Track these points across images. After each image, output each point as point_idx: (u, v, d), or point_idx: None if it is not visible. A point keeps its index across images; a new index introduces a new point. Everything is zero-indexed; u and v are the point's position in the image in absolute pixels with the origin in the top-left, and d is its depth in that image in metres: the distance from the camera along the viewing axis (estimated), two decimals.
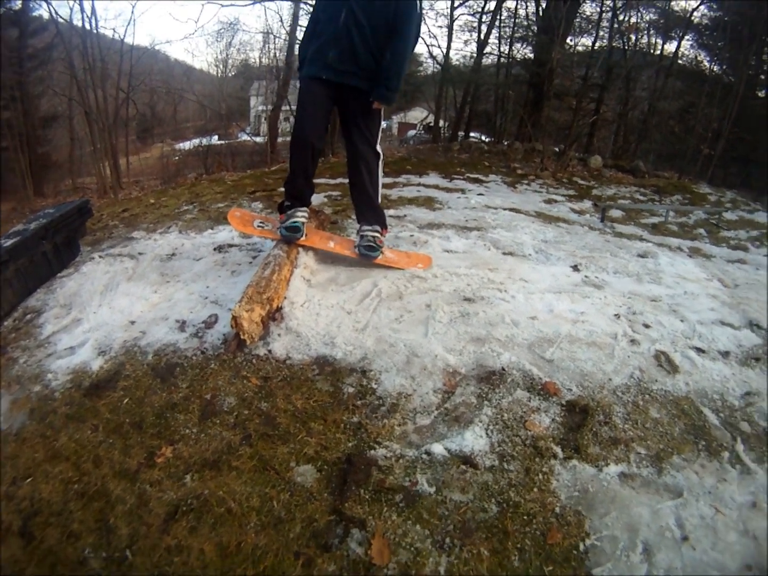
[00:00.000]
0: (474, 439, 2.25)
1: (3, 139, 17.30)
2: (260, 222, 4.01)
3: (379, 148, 3.70)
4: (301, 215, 3.74)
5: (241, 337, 2.82)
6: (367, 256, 3.67)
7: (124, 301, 3.64)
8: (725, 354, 2.91)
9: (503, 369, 2.66)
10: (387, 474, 2.11)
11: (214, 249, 4.54)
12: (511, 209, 6.12)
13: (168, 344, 3.06)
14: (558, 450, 2.21)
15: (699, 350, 2.89)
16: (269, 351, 2.88)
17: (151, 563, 1.88)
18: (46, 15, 18.97)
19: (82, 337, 3.28)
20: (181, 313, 3.36)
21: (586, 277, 3.83)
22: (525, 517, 1.92)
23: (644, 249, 4.75)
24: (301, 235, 3.72)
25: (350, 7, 3.27)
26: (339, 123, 3.87)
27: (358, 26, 3.30)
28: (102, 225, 6.23)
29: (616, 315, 3.20)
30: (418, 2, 3.33)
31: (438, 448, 2.21)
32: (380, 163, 3.76)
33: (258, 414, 2.47)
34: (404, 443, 2.26)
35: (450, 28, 16.48)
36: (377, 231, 3.76)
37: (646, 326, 3.10)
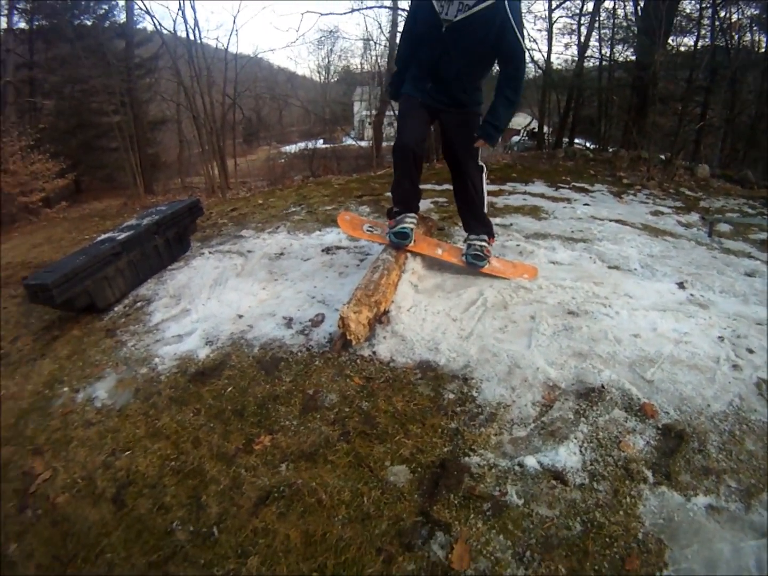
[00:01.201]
0: (567, 456, 2.22)
1: (113, 140, 18.44)
2: (369, 226, 4.09)
3: (481, 161, 3.70)
4: (409, 221, 3.79)
5: (347, 337, 2.90)
6: (474, 264, 3.70)
7: (232, 295, 3.83)
8: None
9: (603, 386, 2.60)
10: (478, 482, 2.12)
11: (322, 250, 4.66)
12: (618, 221, 5.95)
13: (274, 339, 3.19)
14: (649, 474, 2.15)
15: None
16: (374, 352, 2.95)
17: (236, 542, 1.99)
18: (150, 27, 20.19)
19: (190, 327, 3.48)
20: (288, 310, 3.49)
21: (691, 295, 3.68)
22: (607, 539, 1.89)
23: (752, 267, 4.51)
24: (410, 242, 3.77)
25: (448, 40, 3.26)
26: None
27: (452, 62, 3.34)
28: (211, 223, 6.54)
29: (720, 337, 3.05)
30: (522, 39, 3.24)
31: (531, 461, 2.20)
32: (484, 176, 3.75)
33: (358, 412, 2.54)
34: (498, 453, 2.27)
35: (549, 31, 16.10)
36: (484, 240, 3.78)
37: (750, 351, 2.93)
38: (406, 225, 3.76)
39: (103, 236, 4.38)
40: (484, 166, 3.74)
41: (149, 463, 2.40)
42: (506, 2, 3.04)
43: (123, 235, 4.17)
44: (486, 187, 3.79)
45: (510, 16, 3.07)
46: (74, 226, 9.81)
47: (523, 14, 3.37)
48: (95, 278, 3.80)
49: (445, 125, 3.65)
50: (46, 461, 2.54)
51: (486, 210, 3.86)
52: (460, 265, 3.78)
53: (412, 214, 3.83)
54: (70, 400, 2.96)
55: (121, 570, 1.96)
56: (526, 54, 3.37)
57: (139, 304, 3.98)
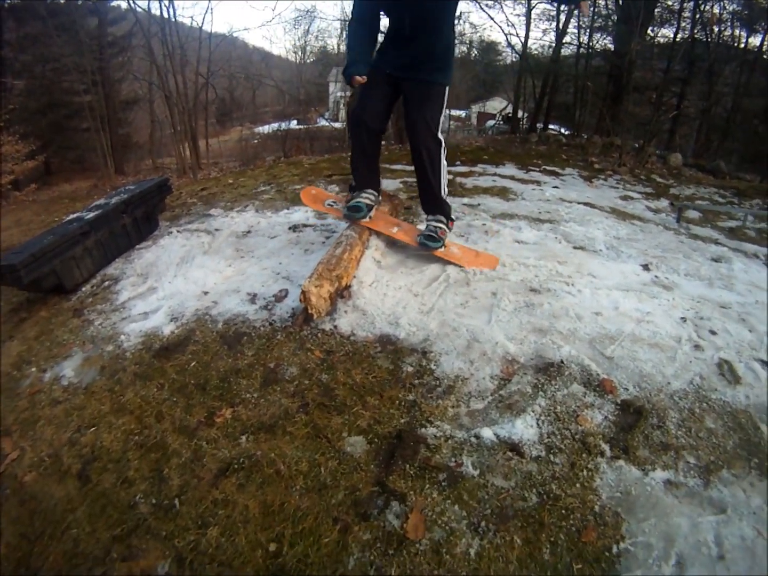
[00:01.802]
0: (524, 428, 2.25)
1: (84, 120, 18.20)
2: (331, 201, 4.08)
3: (441, 135, 3.58)
4: (365, 196, 3.76)
5: (309, 311, 2.91)
6: (425, 245, 3.59)
7: (198, 272, 3.82)
8: None
9: (562, 362, 2.63)
10: (434, 453, 2.15)
11: (289, 228, 4.65)
12: (586, 204, 6.00)
13: (238, 314, 3.20)
14: (606, 448, 2.18)
15: (764, 363, 2.73)
16: (335, 326, 2.96)
17: (197, 513, 2.01)
18: (124, 5, 19.89)
19: (156, 304, 3.47)
20: (253, 286, 3.49)
21: (656, 277, 3.73)
22: (563, 512, 1.92)
23: (719, 253, 4.57)
24: (363, 216, 3.73)
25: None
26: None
27: (410, 16, 3.28)
28: (181, 202, 6.49)
29: (682, 318, 3.09)
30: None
31: (487, 433, 2.23)
32: (442, 151, 3.59)
33: (317, 385, 2.55)
34: (455, 425, 2.29)
35: (528, 16, 16.12)
36: (441, 222, 3.71)
37: (713, 333, 2.97)
38: (360, 200, 3.73)
39: (72, 216, 4.33)
40: (443, 140, 3.61)
41: (114, 438, 2.40)
42: None
43: (91, 215, 4.13)
44: (444, 165, 3.66)
45: None
46: (44, 209, 9.71)
47: None
48: (63, 258, 3.75)
49: (406, 95, 3.56)
50: (14, 441, 2.53)
51: (444, 190, 3.73)
52: (414, 245, 3.69)
53: (370, 190, 3.81)
54: (38, 379, 2.94)
55: (86, 545, 1.97)
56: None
57: (106, 283, 3.95)
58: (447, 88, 3.57)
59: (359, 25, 3.43)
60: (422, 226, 3.87)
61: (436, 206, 3.77)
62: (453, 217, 3.91)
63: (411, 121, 3.56)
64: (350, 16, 3.52)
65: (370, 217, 3.80)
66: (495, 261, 3.71)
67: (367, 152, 3.72)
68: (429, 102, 3.48)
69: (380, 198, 4.02)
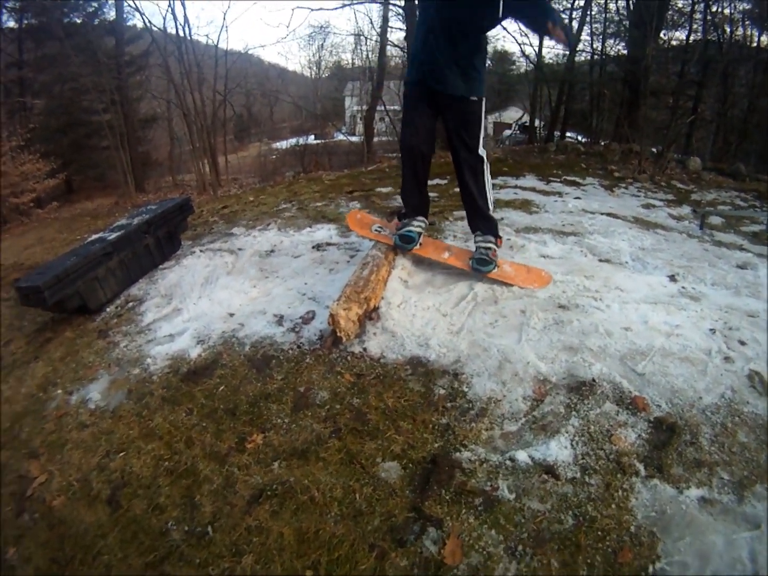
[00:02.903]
0: (558, 450, 2.23)
1: (104, 139, 18.45)
2: (378, 227, 4.03)
3: (482, 151, 3.57)
4: (417, 225, 3.75)
5: (338, 334, 2.91)
6: (479, 270, 3.54)
7: (223, 294, 3.83)
8: None
9: (594, 380, 2.60)
10: (469, 477, 2.13)
11: (312, 247, 4.65)
12: (609, 214, 5.96)
13: (265, 337, 3.19)
14: (641, 467, 2.15)
15: None
16: (364, 349, 2.95)
17: (231, 541, 2.00)
18: (140, 24, 20.16)
19: (182, 326, 3.48)
20: (279, 307, 3.49)
21: (683, 288, 3.69)
22: (599, 533, 1.89)
23: (744, 259, 4.51)
24: (415, 245, 3.72)
25: (438, 12, 3.22)
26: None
27: (441, 36, 3.26)
28: (202, 221, 6.54)
29: (711, 330, 3.05)
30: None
31: (522, 456, 2.20)
32: (485, 167, 3.61)
33: (349, 409, 2.54)
34: (489, 448, 2.27)
35: None
36: (491, 242, 3.65)
37: (742, 343, 2.92)
38: (412, 229, 3.71)
39: (94, 236, 4.37)
40: (485, 156, 3.59)
41: (143, 463, 2.40)
42: None
43: (113, 235, 4.16)
44: (489, 180, 3.65)
45: None
46: (65, 227, 9.82)
47: None
48: (86, 279, 3.79)
49: (444, 113, 3.55)
50: (42, 464, 2.55)
51: (491, 206, 3.72)
52: (468, 269, 3.63)
53: (421, 218, 3.79)
54: (64, 402, 2.96)
55: (118, 571, 1.97)
56: None
57: (130, 304, 3.98)
58: (483, 101, 3.53)
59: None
60: (473, 248, 3.80)
61: (484, 223, 3.73)
62: (500, 234, 3.86)
63: (451, 142, 3.58)
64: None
65: (420, 245, 3.78)
66: (548, 277, 3.64)
67: (418, 177, 3.72)
68: (467, 120, 3.48)
69: (428, 224, 3.98)
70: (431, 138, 3.66)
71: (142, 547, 2.03)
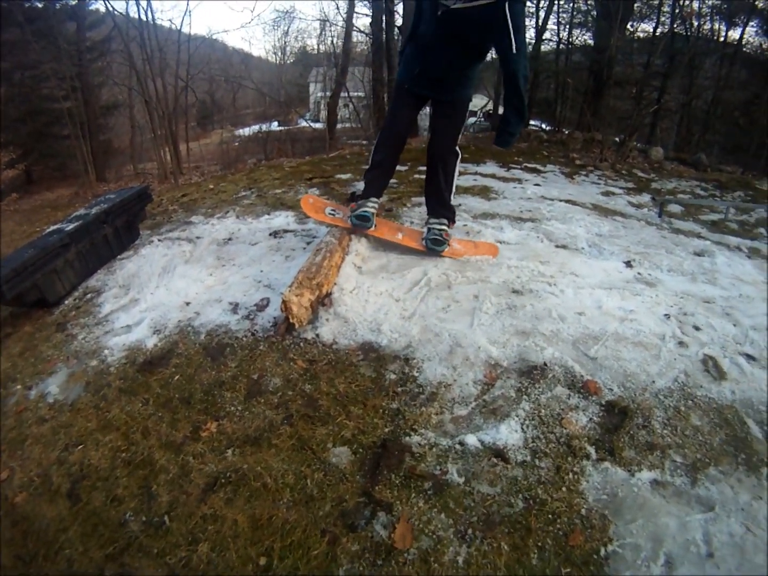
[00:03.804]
0: (508, 433, 2.25)
1: (65, 127, 18.00)
2: (332, 210, 4.06)
3: (457, 147, 3.74)
4: (371, 205, 3.80)
5: (290, 320, 2.90)
6: (433, 250, 3.71)
7: (180, 283, 3.80)
8: None
9: (545, 364, 2.64)
10: (419, 461, 2.15)
11: (270, 234, 4.63)
12: (567, 201, 6.02)
13: (220, 325, 3.18)
14: (592, 450, 2.18)
15: (749, 357, 2.75)
16: (317, 335, 2.95)
17: (187, 530, 2.00)
18: (102, 9, 19.71)
19: (139, 317, 3.44)
20: (235, 295, 3.48)
21: (638, 273, 3.75)
22: (550, 516, 1.92)
23: (701, 247, 4.58)
24: (371, 225, 3.78)
25: (441, 26, 3.21)
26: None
27: (441, 49, 3.31)
28: (162, 209, 6.45)
29: (666, 315, 3.11)
30: (518, 43, 3.11)
31: (472, 440, 2.23)
32: (458, 162, 3.78)
33: (301, 395, 2.55)
34: (439, 432, 2.29)
35: None
36: (444, 224, 3.79)
37: (697, 328, 2.99)
38: (367, 209, 3.76)
39: (52, 228, 4.28)
40: (459, 152, 3.76)
41: (101, 455, 2.39)
42: (507, 4, 2.97)
43: (71, 226, 4.08)
44: (457, 175, 3.82)
45: (509, 19, 2.99)
46: (25, 219, 9.67)
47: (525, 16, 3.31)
48: (44, 272, 3.71)
49: (434, 108, 3.72)
50: (3, 461, 2.51)
51: (452, 198, 3.87)
52: (421, 249, 3.78)
53: (375, 199, 3.84)
54: (24, 397, 2.92)
55: (79, 565, 1.96)
56: (524, 56, 3.22)
57: (89, 295, 3.92)
58: (470, 100, 3.71)
59: None
60: (422, 229, 3.96)
61: (443, 209, 3.85)
62: (455, 219, 4.00)
63: (434, 134, 3.74)
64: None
65: (374, 226, 3.83)
66: (495, 248, 3.82)
67: (390, 163, 3.85)
68: (453, 117, 3.64)
69: (380, 204, 4.06)
70: (412, 124, 3.97)
71: (101, 540, 2.03)
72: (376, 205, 3.85)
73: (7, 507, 2.27)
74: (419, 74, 3.48)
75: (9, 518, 2.22)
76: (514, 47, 3.08)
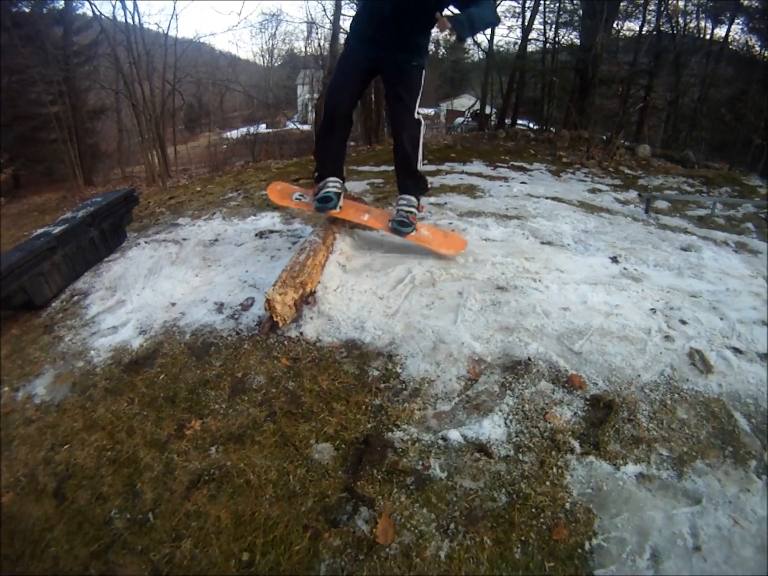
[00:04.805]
0: (492, 428, 2.26)
1: (52, 132, 17.91)
2: (299, 195, 4.06)
3: (418, 114, 3.67)
4: (332, 185, 3.77)
5: (274, 319, 2.91)
6: (398, 231, 3.70)
7: (166, 284, 3.79)
8: (764, 356, 2.77)
9: (529, 359, 2.64)
10: (401, 456, 2.16)
11: (256, 235, 4.63)
12: (554, 198, 6.05)
13: (205, 325, 3.18)
14: (576, 445, 2.19)
15: (736, 350, 2.77)
16: (301, 333, 2.96)
17: (171, 526, 2.00)
18: (89, 13, 19.56)
19: (125, 318, 3.44)
20: (220, 295, 3.47)
21: (624, 269, 3.76)
22: (533, 510, 1.92)
23: (688, 242, 4.62)
24: (334, 205, 3.75)
25: None
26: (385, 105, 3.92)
27: (394, 6, 3.24)
28: (149, 212, 6.45)
29: (652, 309, 3.12)
30: None
31: (454, 435, 2.23)
32: (422, 129, 3.69)
33: (284, 393, 2.55)
34: (422, 428, 2.30)
35: None
36: (413, 206, 3.78)
37: (683, 322, 3.00)
38: (329, 189, 3.75)
39: (39, 231, 4.28)
40: (422, 119, 3.69)
41: (87, 454, 2.39)
42: None
43: (58, 229, 4.07)
44: (422, 142, 3.74)
45: None
46: (13, 223, 9.62)
47: None
48: (31, 275, 3.69)
49: (386, 77, 3.65)
50: None
51: (420, 164, 3.82)
52: (386, 231, 3.78)
53: (335, 178, 3.81)
54: (11, 399, 2.90)
55: (65, 563, 1.96)
56: None
57: (75, 298, 3.90)
58: (424, 72, 3.61)
59: None
60: (393, 212, 3.92)
61: (413, 181, 3.85)
62: (422, 204, 3.98)
63: (390, 103, 3.71)
64: None
65: (340, 207, 3.81)
66: (463, 243, 3.80)
67: (336, 139, 3.78)
68: (409, 85, 3.56)
69: (345, 186, 4.02)
70: (357, 102, 3.84)
71: (87, 537, 2.03)
72: (338, 185, 3.82)
73: None
74: (369, 40, 3.46)
75: None
76: None
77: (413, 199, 3.81)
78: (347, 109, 3.67)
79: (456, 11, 3.28)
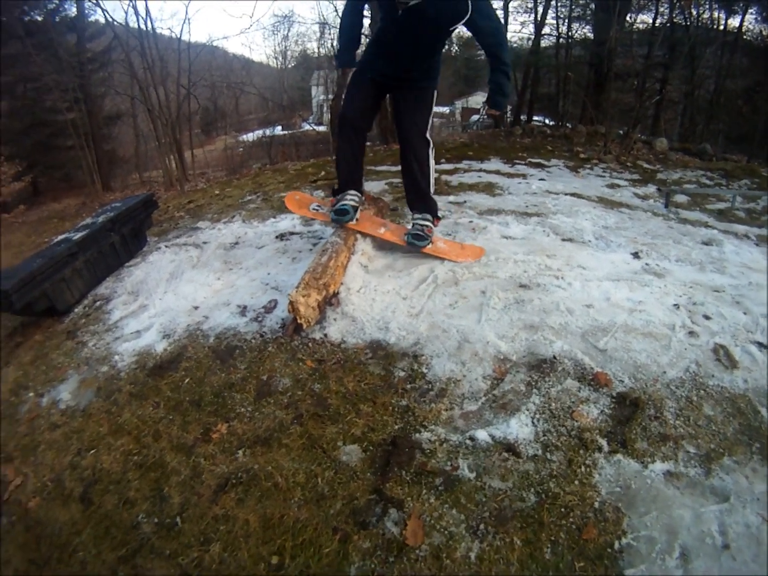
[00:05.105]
0: (519, 427, 2.24)
1: (69, 138, 18.05)
2: (316, 205, 4.06)
3: (429, 135, 3.65)
4: (350, 198, 3.76)
5: (298, 321, 2.90)
6: (413, 245, 3.66)
7: (188, 287, 3.81)
8: None
9: (554, 357, 2.62)
10: (429, 457, 2.15)
11: (276, 237, 4.64)
12: (573, 194, 6.01)
13: (229, 328, 3.19)
14: (603, 443, 2.17)
15: (761, 345, 2.71)
16: (325, 335, 2.96)
17: (199, 530, 2.02)
18: (102, 20, 19.70)
19: (148, 322, 3.46)
20: (243, 298, 3.49)
21: (646, 264, 3.72)
22: (562, 510, 1.91)
23: (709, 236, 4.54)
24: (350, 219, 3.74)
25: (404, 24, 3.18)
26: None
27: (407, 45, 3.28)
28: (168, 216, 6.48)
29: (675, 305, 3.08)
30: (492, 15, 3.22)
31: (482, 435, 2.22)
32: (430, 150, 3.66)
33: (310, 395, 2.55)
34: (449, 428, 2.29)
35: (505, 9, 16.21)
36: (428, 220, 3.75)
37: (707, 318, 2.96)
38: (346, 202, 3.73)
39: (60, 237, 4.32)
40: (431, 141, 3.67)
41: (113, 459, 2.41)
42: None
43: (78, 235, 4.11)
44: (432, 164, 3.72)
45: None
46: (33, 230, 9.70)
47: None
48: (53, 281, 3.73)
49: (396, 99, 3.63)
50: (17, 467, 2.54)
51: (431, 188, 3.79)
52: (402, 245, 3.75)
53: (354, 192, 3.81)
54: (36, 404, 2.94)
55: (93, 567, 1.99)
56: (497, 21, 3.28)
57: (98, 303, 3.93)
58: (435, 91, 3.62)
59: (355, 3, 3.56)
60: (409, 226, 3.89)
61: (423, 204, 3.80)
62: (439, 215, 3.93)
63: (400, 123, 3.66)
64: None
65: (356, 220, 3.79)
66: (480, 252, 3.76)
67: (352, 151, 3.76)
68: (419, 105, 3.56)
69: (364, 199, 4.03)
70: (370, 115, 3.80)
71: (114, 542, 2.04)
72: (356, 198, 3.81)
73: (21, 512, 2.30)
74: (384, 68, 3.47)
75: (23, 523, 2.25)
76: (494, 20, 3.20)
77: (427, 215, 3.79)
78: (361, 122, 3.68)
79: (465, 29, 3.29)
